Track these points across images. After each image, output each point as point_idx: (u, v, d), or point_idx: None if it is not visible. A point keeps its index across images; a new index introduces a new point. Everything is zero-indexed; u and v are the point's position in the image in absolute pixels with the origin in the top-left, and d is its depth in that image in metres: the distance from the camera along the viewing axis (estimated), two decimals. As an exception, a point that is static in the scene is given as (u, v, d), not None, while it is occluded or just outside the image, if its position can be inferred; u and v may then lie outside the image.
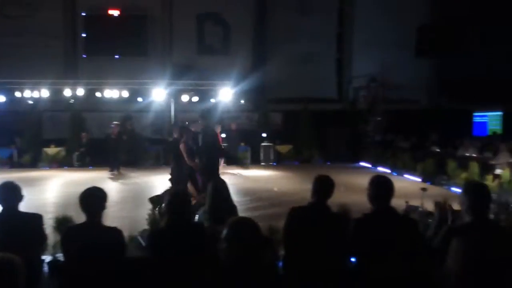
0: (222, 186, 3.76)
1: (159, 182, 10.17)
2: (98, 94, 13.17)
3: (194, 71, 14.23)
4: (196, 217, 3.82)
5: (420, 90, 16.45)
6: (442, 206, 3.35)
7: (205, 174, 6.69)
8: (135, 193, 8.98)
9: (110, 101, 13.50)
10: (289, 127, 15.23)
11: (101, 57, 15.43)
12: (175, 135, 7.95)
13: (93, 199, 2.73)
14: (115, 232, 2.75)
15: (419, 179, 10.01)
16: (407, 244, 2.77)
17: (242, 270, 2.01)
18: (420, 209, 4.44)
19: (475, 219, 2.64)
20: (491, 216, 4.21)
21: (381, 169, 12.13)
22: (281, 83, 15.49)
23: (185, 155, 7.00)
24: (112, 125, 12.03)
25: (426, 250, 2.93)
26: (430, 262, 2.93)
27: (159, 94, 13.20)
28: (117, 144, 11.81)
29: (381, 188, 2.88)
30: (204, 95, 13.86)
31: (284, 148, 14.92)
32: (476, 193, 2.73)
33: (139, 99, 13.79)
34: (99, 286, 2.61)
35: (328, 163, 13.95)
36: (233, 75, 14.11)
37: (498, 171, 8.64)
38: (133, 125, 13.97)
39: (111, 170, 11.62)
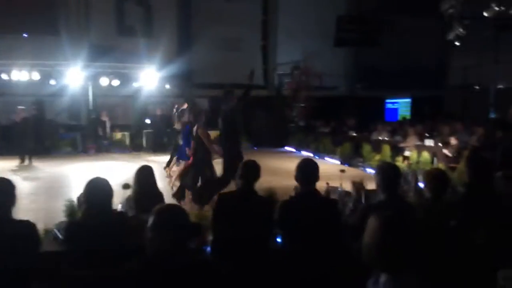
0: (147, 173, 3.65)
1: (76, 171, 9.56)
2: (4, 76, 11.92)
3: (114, 53, 13.43)
4: (119, 206, 3.66)
5: (339, 78, 17.39)
6: (358, 186, 3.60)
7: (231, 161, 5.81)
8: (49, 184, 8.32)
9: (19, 84, 12.27)
10: (216, 112, 15.15)
11: (6, 35, 13.84)
12: (186, 118, 7.04)
13: None
14: (27, 225, 2.52)
15: (338, 162, 10.65)
16: (329, 223, 2.95)
17: (169, 259, 1.96)
18: (339, 189, 4.73)
19: (388, 197, 2.90)
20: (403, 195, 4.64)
21: (304, 153, 12.65)
22: (207, 68, 15.29)
23: (206, 141, 6.23)
24: (17, 111, 10.99)
25: (345, 227, 3.15)
26: (348, 238, 3.15)
27: (74, 76, 12.28)
28: (22, 131, 10.78)
29: (307, 172, 3.01)
30: (126, 78, 13.22)
31: (212, 134, 14.81)
32: (388, 173, 2.99)
33: (52, 82, 12.68)
34: (13, 284, 2.39)
35: (255, 148, 14.20)
36: (157, 59, 13.62)
37: (407, 153, 9.47)
38: (41, 110, 12.85)
39: (21, 160, 10.64)
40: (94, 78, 12.82)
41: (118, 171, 8.79)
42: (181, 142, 7.56)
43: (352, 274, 2.81)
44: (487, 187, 3.40)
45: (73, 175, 9.01)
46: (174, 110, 8.67)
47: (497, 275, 1.96)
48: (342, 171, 5.17)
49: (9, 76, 11.86)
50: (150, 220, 1.99)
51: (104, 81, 12.79)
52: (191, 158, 6.58)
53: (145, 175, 3.63)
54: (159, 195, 3.71)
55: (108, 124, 13.58)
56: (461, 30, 4.66)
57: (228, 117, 6.01)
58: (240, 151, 6.05)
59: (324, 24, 16.47)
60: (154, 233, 1.96)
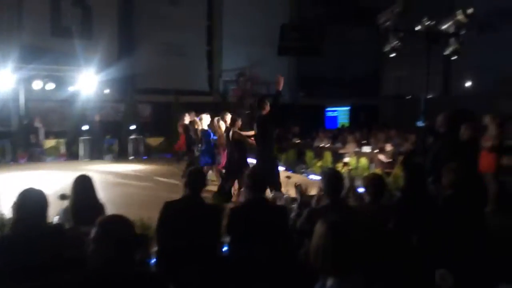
0: (86, 183, 3.46)
1: (4, 182, 8.81)
2: None
3: (49, 55, 12.61)
4: (56, 218, 3.42)
5: (283, 86, 17.75)
6: (302, 190, 3.69)
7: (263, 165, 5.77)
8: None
9: None
10: (159, 119, 14.79)
11: None
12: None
13: None
14: None
15: (283, 168, 10.84)
16: (277, 229, 2.98)
17: (112, 272, 1.87)
18: (285, 196, 4.81)
19: (332, 201, 3.01)
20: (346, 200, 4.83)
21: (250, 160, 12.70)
22: (151, 73, 14.89)
23: (245, 140, 6.54)
24: None
25: (292, 232, 3.21)
26: (295, 242, 3.21)
27: (4, 79, 11.37)
28: None
29: (256, 179, 3.04)
30: (61, 82, 12.49)
31: (155, 141, 14.45)
32: (332, 178, 3.11)
33: (-23, 85, 11.63)
34: None
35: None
36: (96, 62, 13.03)
37: (346, 159, 9.88)
38: None
39: None
40: (26, 81, 11.97)
41: (52, 181, 8.23)
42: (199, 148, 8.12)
43: (299, 279, 2.86)
44: (421, 191, 3.64)
45: (1, 187, 8.29)
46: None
47: (434, 275, 2.10)
48: (288, 177, 5.27)
49: None
50: (93, 231, 1.89)
51: (37, 85, 11.98)
52: (223, 162, 7.22)
53: (83, 185, 3.43)
54: (99, 206, 3.53)
55: (41, 131, 12.71)
56: (396, 42, 4.98)
57: (261, 124, 6.13)
58: (271, 156, 6.12)
59: (269, 31, 16.79)
60: (97, 244, 1.86)
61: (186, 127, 9.96)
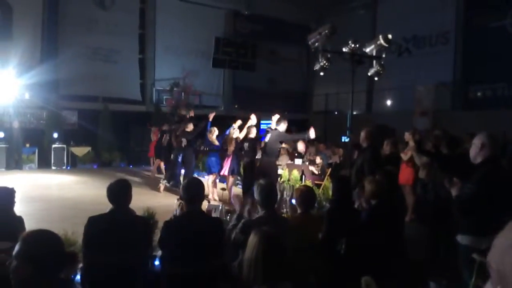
0: (3, 195, 3.17)
1: None
2: None
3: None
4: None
5: (217, 97, 17.84)
6: (240, 201, 3.73)
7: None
8: None
9: None
10: (86, 127, 13.98)
11: None
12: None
13: None
14: None
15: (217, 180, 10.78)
16: (212, 242, 2.97)
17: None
18: (220, 207, 4.81)
19: (267, 212, 3.08)
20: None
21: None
22: (76, 79, 14.07)
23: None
24: None
25: (226, 244, 3.21)
26: (229, 254, 3.22)
27: None
28: None
29: (191, 191, 3.01)
30: (-26, 85, 11.35)
31: (80, 151, 13.61)
32: (266, 190, 3.19)
33: None
34: None
35: (131, 167, 13.50)
36: (15, 64, 12.05)
37: (279, 171, 10.12)
38: None
39: None
40: None
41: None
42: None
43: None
44: (348, 201, 3.87)
45: None
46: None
47: (360, 282, 2.24)
48: (223, 189, 5.29)
49: None
50: (17, 247, 1.75)
51: None
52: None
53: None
54: (17, 220, 3.26)
55: None
56: (325, 62, 5.28)
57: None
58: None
59: (204, 43, 16.81)
60: (19, 261, 1.72)
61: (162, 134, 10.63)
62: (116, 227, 2.96)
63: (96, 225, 2.99)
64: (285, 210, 5.56)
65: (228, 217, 4.23)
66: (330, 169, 9.19)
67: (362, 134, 5.55)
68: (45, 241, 1.80)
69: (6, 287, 1.80)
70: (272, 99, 17.47)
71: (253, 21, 18.21)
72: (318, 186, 8.17)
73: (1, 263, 2.46)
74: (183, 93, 13.79)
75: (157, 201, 7.55)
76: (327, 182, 8.13)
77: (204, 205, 4.10)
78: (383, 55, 5.96)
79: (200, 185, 3.07)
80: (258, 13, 17.90)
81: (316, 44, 5.30)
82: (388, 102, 16.87)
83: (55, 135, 13.22)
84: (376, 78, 6.22)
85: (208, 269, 2.92)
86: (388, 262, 3.32)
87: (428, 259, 4.71)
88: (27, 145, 12.61)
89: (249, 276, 2.02)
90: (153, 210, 4.45)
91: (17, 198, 3.54)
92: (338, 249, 3.27)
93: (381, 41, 5.65)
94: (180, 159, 9.10)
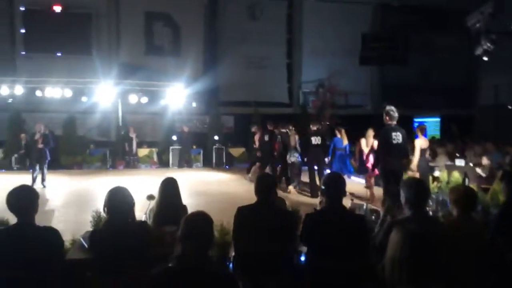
0: (171, 184, 3.68)
1: (104, 185, 9.76)
2: (38, 93, 12.42)
3: (143, 71, 13.84)
4: (144, 216, 3.70)
5: (365, 96, 17.23)
6: (390, 204, 3.49)
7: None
8: (79, 197, 8.54)
9: (52, 101, 12.79)
10: (241, 130, 15.27)
11: (41, 54, 14.57)
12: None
13: (22, 198, 2.52)
14: (50, 231, 2.56)
15: (363, 180, 10.40)
16: (356, 239, 2.87)
17: (194, 268, 1.97)
18: (364, 207, 4.62)
19: (414, 213, 2.80)
20: (430, 213, 4.48)
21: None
22: (233, 86, 15.53)
23: None
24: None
25: (372, 245, 3.05)
26: (375, 257, 3.05)
27: (105, 93, 12.70)
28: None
29: (333, 186, 2.96)
30: (154, 96, 13.55)
31: (236, 151, 14.96)
32: (415, 188, 2.90)
33: (84, 99, 13.14)
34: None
35: (278, 165, 14.10)
36: (184, 77, 13.95)
37: (436, 173, 9.19)
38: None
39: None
40: (124, 96, 13.20)
41: (144, 185, 8.94)
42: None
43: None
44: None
45: (102, 189, 9.21)
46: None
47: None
48: (367, 187, 5.06)
49: (43, 93, 12.33)
50: (180, 230, 2.03)
51: (133, 98, 13.14)
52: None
53: (168, 186, 3.66)
54: (182, 208, 3.73)
55: (135, 141, 13.90)
56: (488, 44, 4.53)
57: (383, 134, 6.36)
58: (394, 162, 6.19)
59: (349, 41, 16.48)
60: (183, 242, 1.99)
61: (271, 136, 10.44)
62: (260, 217, 3.11)
63: (243, 214, 3.20)
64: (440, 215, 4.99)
65: (373, 216, 4.02)
66: (501, 171, 7.88)
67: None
68: (201, 222, 2.06)
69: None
70: (426, 94, 15.96)
71: (404, 12, 17.00)
72: (485, 190, 7.11)
73: (170, 243, 2.87)
74: (328, 94, 13.77)
75: (300, 197, 7.71)
76: (496, 186, 6.99)
77: (347, 203, 4.00)
78: None
79: (341, 180, 3.00)
80: (409, 3, 16.64)
81: (477, 25, 4.61)
82: None
83: (216, 137, 14.80)
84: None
85: (351, 266, 2.83)
86: None
87: None
88: (194, 146, 14.47)
89: (393, 276, 1.88)
90: (296, 206, 4.54)
91: (186, 191, 4.07)
92: (507, 258, 2.77)
93: None
94: (298, 158, 9.07)
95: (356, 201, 4.64)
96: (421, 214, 2.84)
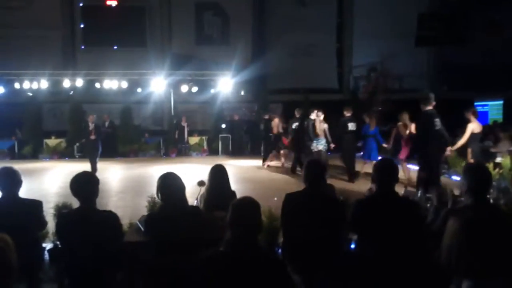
0: (220, 171, 3.75)
1: (159, 171, 10.19)
2: (97, 85, 13.13)
3: (193, 62, 14.18)
4: (195, 202, 3.81)
5: (419, 79, 16.39)
6: (441, 191, 3.34)
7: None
8: (135, 183, 8.99)
9: (109, 92, 13.47)
10: (290, 117, 15.16)
11: (99, 48, 15.38)
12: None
13: (84, 183, 2.70)
14: (110, 215, 2.73)
15: (417, 167, 9.97)
16: (409, 226, 2.77)
17: (243, 252, 2.01)
18: (419, 194, 4.43)
19: (475, 201, 2.63)
20: (491, 201, 4.21)
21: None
22: (281, 73, 15.43)
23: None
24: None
25: (427, 233, 2.93)
26: (430, 245, 2.93)
27: (158, 84, 13.16)
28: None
29: (385, 171, 2.87)
30: (204, 85, 13.83)
31: (285, 139, 14.88)
32: (475, 174, 2.71)
33: (139, 90, 13.72)
34: (98, 270, 2.61)
35: (329, 154, 13.92)
36: (233, 66, 14.06)
37: (498, 159, 8.60)
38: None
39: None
40: (175, 86, 13.60)
41: (195, 171, 9.24)
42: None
43: (432, 282, 2.61)
44: None
45: (156, 176, 9.61)
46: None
47: None
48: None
49: (101, 85, 13.02)
50: (228, 215, 2.07)
51: (184, 88, 13.49)
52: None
53: (217, 173, 3.74)
54: (231, 193, 3.80)
55: (186, 129, 14.29)
56: None
57: (425, 120, 6.31)
58: (436, 148, 6.24)
59: (402, 23, 15.70)
60: (231, 227, 2.03)
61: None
62: (308, 204, 3.08)
63: (291, 201, 3.19)
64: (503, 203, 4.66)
65: (428, 204, 3.85)
66: None
67: None
68: (249, 206, 2.09)
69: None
70: (491, 76, 14.84)
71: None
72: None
73: (221, 228, 2.94)
74: (381, 78, 13.27)
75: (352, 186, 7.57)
76: None
77: (400, 191, 3.86)
78: None
79: (394, 166, 2.89)
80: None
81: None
82: None
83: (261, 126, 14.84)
84: None
85: (405, 254, 2.74)
86: None
87: None
88: (244, 134, 14.62)
89: (450, 266, 1.79)
90: (346, 193, 4.46)
91: (235, 178, 4.14)
92: None
93: None
94: (324, 147, 9.04)
95: (410, 188, 4.46)
96: (482, 202, 2.67)
